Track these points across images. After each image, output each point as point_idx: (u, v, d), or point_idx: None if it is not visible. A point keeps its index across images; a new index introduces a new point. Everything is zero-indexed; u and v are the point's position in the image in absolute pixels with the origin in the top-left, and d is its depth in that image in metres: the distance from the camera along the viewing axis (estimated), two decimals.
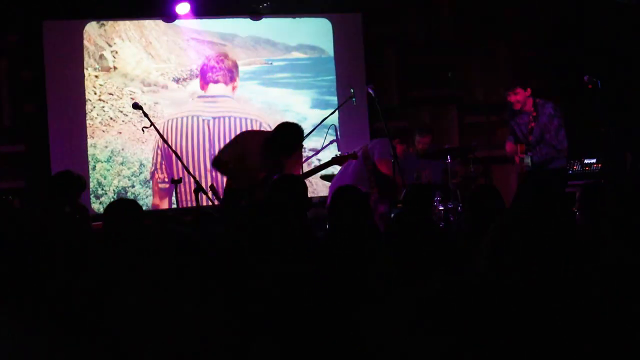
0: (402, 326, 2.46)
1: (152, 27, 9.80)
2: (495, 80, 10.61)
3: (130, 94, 9.42)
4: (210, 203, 7.65)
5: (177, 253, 2.48)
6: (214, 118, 8.92)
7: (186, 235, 2.64)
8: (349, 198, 4.89)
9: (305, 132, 7.27)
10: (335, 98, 10.20)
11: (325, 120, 8.34)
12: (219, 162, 7.14)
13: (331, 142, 8.53)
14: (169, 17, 9.80)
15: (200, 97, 9.31)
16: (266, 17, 10.08)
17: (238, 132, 8.56)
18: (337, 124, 9.00)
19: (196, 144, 8.86)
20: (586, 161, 9.32)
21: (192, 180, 7.21)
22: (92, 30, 9.62)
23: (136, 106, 7.23)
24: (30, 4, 9.35)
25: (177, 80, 9.55)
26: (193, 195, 7.00)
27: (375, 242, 4.29)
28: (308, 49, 10.20)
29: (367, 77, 10.18)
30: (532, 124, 8.06)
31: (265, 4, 9.67)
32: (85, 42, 9.54)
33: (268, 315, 2.76)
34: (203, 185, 7.16)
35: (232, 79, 9.21)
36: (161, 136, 7.27)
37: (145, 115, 7.10)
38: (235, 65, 9.45)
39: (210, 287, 2.45)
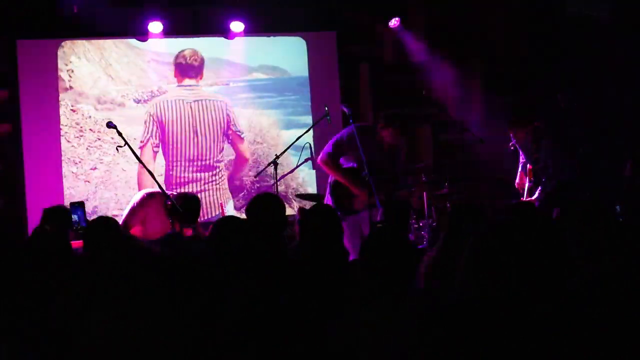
0: (374, 340, 2.47)
1: (112, 48, 9.87)
2: (470, 99, 10.67)
3: (83, 111, 9.59)
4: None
5: (151, 269, 2.48)
6: (194, 101, 9.70)
7: (158, 252, 2.64)
8: (319, 217, 4.91)
9: (280, 150, 7.31)
10: (310, 117, 10.23)
11: (300, 139, 8.36)
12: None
13: (306, 161, 8.53)
14: (142, 36, 9.83)
15: (178, 86, 9.84)
16: (240, 37, 10.12)
17: (213, 111, 9.70)
18: (311, 142, 9.01)
19: (182, 122, 9.70)
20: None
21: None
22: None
23: (110, 125, 7.20)
24: (3, 23, 9.32)
25: (137, 101, 9.81)
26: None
27: (344, 261, 4.31)
28: (269, 69, 10.26)
29: (342, 95, 10.21)
30: (535, 155, 8.07)
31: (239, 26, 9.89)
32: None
33: (239, 329, 2.76)
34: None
35: (200, 73, 9.86)
36: (135, 156, 7.23)
37: (120, 134, 7.06)
38: (203, 60, 9.91)
39: (183, 302, 2.45)
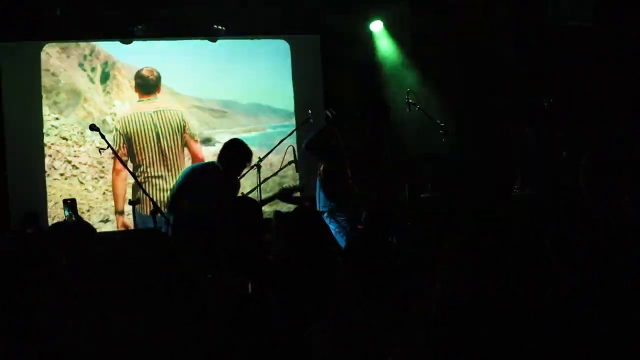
0: (355, 346, 2.48)
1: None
2: (453, 101, 10.71)
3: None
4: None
5: (127, 272, 2.48)
6: (154, 112, 10.28)
7: (135, 254, 2.64)
8: (305, 223, 4.92)
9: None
10: (293, 120, 10.26)
11: (284, 142, 8.38)
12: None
13: (289, 163, 8.53)
14: (127, 38, 9.83)
15: (138, 101, 10.31)
16: (223, 39, 10.15)
17: (170, 118, 10.34)
18: (295, 145, 9.01)
19: (146, 130, 10.27)
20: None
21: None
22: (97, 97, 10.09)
23: (93, 128, 7.26)
24: None
25: None
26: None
27: (330, 265, 4.31)
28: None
29: (325, 98, 10.24)
30: None
31: (220, 28, 9.96)
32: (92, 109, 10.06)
33: (219, 334, 2.76)
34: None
35: (158, 88, 10.36)
36: (118, 157, 7.27)
37: (103, 137, 7.14)
38: (159, 77, 10.36)
39: (161, 304, 2.46)
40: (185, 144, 10.40)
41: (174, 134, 10.35)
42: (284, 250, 4.90)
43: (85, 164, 9.90)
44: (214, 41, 10.18)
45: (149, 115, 10.29)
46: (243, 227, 5.08)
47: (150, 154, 10.24)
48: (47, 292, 3.44)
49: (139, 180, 9.78)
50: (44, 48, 9.78)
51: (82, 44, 10.01)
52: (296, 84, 10.46)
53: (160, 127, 10.32)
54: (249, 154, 7.55)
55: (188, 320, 2.79)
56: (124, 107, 10.21)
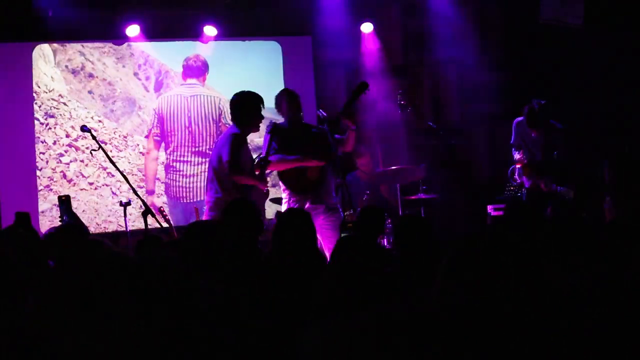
0: (343, 349, 2.48)
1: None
2: (444, 102, 10.74)
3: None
4: (158, 225, 7.68)
5: (120, 276, 2.48)
6: (191, 96, 10.40)
7: (128, 258, 2.64)
8: (293, 220, 4.92)
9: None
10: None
11: None
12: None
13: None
14: (119, 39, 9.84)
15: (181, 84, 10.47)
16: (215, 41, 10.16)
17: (206, 104, 10.47)
18: None
19: (179, 114, 10.42)
20: None
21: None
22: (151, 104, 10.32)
23: (84, 129, 7.27)
24: None
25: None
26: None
27: (318, 264, 4.30)
28: None
29: (317, 100, 10.24)
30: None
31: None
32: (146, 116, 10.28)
33: (209, 336, 2.77)
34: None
35: (203, 74, 10.49)
36: (109, 159, 7.26)
37: (94, 137, 7.15)
38: (206, 64, 10.50)
39: (152, 309, 2.46)
40: (220, 133, 10.29)
41: (207, 121, 10.43)
42: (272, 249, 4.92)
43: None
44: (205, 42, 10.20)
45: (184, 99, 10.39)
46: (239, 225, 5.07)
47: (179, 138, 10.34)
48: (36, 293, 3.44)
49: (167, 162, 10.27)
50: (100, 58, 10.01)
51: (136, 54, 10.23)
52: (287, 85, 10.46)
53: (193, 111, 10.41)
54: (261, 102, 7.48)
55: (179, 319, 2.80)
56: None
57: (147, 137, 10.25)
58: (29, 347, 2.73)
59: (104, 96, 10.04)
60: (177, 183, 10.27)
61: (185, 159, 10.36)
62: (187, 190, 10.29)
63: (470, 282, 2.52)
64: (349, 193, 7.46)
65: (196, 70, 10.41)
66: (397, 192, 9.05)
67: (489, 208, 9.11)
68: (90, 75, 9.97)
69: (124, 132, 10.11)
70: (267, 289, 4.12)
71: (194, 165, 10.32)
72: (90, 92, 9.94)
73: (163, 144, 10.32)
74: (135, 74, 10.27)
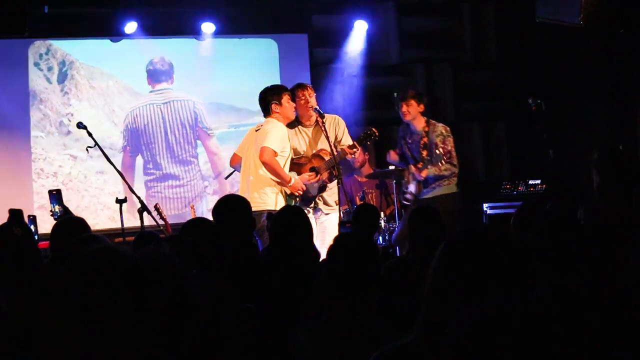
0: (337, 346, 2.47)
1: (115, 94, 10.07)
2: (441, 102, 10.73)
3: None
4: (154, 222, 7.66)
5: (116, 271, 2.46)
6: (164, 103, 10.12)
7: (125, 253, 2.62)
8: (290, 219, 4.91)
9: None
10: None
11: None
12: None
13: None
14: (117, 36, 9.83)
15: (150, 92, 10.19)
16: (211, 39, 10.15)
17: (181, 110, 10.16)
18: None
19: (154, 125, 10.14)
20: (531, 182, 9.38)
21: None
22: (54, 97, 9.80)
23: (80, 126, 7.26)
24: None
25: None
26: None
27: (314, 263, 4.29)
28: None
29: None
30: (425, 139, 7.97)
31: None
32: (48, 110, 9.79)
33: (206, 334, 2.75)
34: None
35: (171, 76, 10.23)
36: (105, 156, 7.27)
37: (90, 134, 7.14)
38: (171, 65, 10.25)
39: (147, 306, 2.43)
40: (198, 138, 10.23)
41: (184, 128, 10.18)
42: (267, 248, 4.90)
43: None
44: (202, 40, 10.19)
45: (158, 108, 10.11)
46: (233, 225, 5.05)
47: (159, 150, 10.06)
48: (31, 290, 3.42)
49: (148, 178, 9.92)
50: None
51: (37, 43, 9.76)
52: (284, 83, 10.44)
53: (169, 120, 10.15)
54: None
55: (168, 321, 2.78)
56: (81, 105, 9.89)
57: (122, 153, 9.94)
58: (22, 343, 2.72)
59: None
60: (162, 195, 9.97)
61: (169, 171, 10.08)
62: (173, 201, 10.05)
63: (463, 281, 2.51)
64: (346, 192, 7.50)
65: (164, 73, 10.20)
66: (394, 191, 9.04)
67: (485, 206, 9.13)
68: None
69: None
70: (263, 285, 4.11)
71: (176, 175, 10.09)
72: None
73: (140, 158, 10.03)
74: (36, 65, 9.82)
